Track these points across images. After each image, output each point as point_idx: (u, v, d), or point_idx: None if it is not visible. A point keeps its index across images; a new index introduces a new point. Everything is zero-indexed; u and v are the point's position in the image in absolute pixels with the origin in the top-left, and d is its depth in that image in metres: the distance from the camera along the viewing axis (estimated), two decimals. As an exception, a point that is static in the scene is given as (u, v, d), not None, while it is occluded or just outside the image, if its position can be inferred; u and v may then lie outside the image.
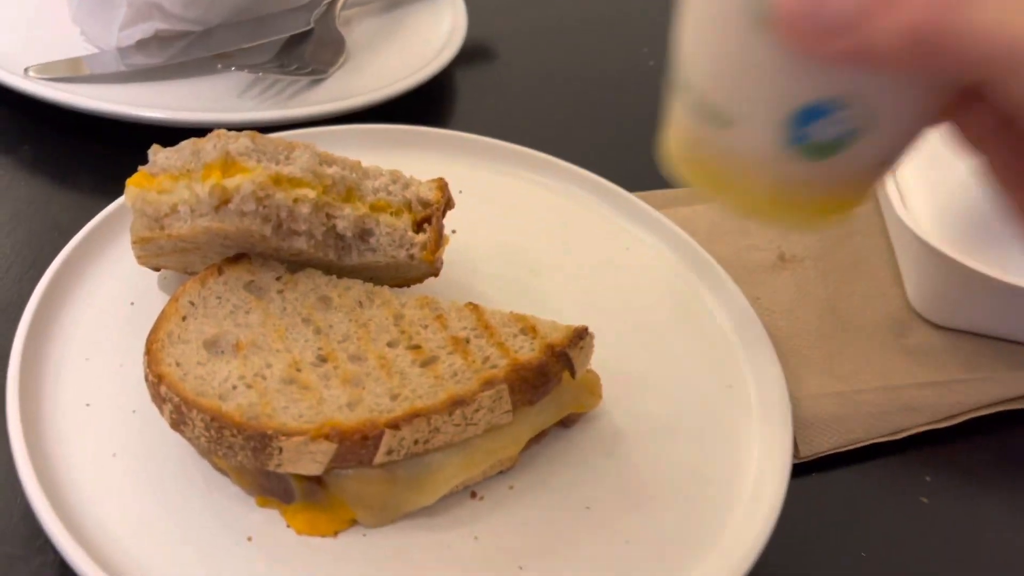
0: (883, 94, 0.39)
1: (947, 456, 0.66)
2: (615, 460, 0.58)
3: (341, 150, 0.75)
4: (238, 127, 0.74)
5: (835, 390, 0.67)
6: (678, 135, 0.45)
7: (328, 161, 0.57)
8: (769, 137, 0.41)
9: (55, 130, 0.77)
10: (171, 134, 0.75)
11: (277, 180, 0.54)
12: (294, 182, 0.54)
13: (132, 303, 0.62)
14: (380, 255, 0.58)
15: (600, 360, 0.62)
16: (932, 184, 0.75)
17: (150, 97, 0.78)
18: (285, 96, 0.81)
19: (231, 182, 0.52)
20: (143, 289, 0.62)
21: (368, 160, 0.75)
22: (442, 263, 0.61)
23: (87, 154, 0.77)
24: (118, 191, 0.72)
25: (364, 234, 0.58)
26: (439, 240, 0.60)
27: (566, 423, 0.59)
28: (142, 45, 0.81)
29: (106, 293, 0.61)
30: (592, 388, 0.59)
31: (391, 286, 0.63)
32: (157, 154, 0.55)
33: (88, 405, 0.55)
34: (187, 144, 0.55)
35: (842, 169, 0.42)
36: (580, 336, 0.56)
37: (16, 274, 0.66)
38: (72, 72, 0.78)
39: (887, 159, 0.44)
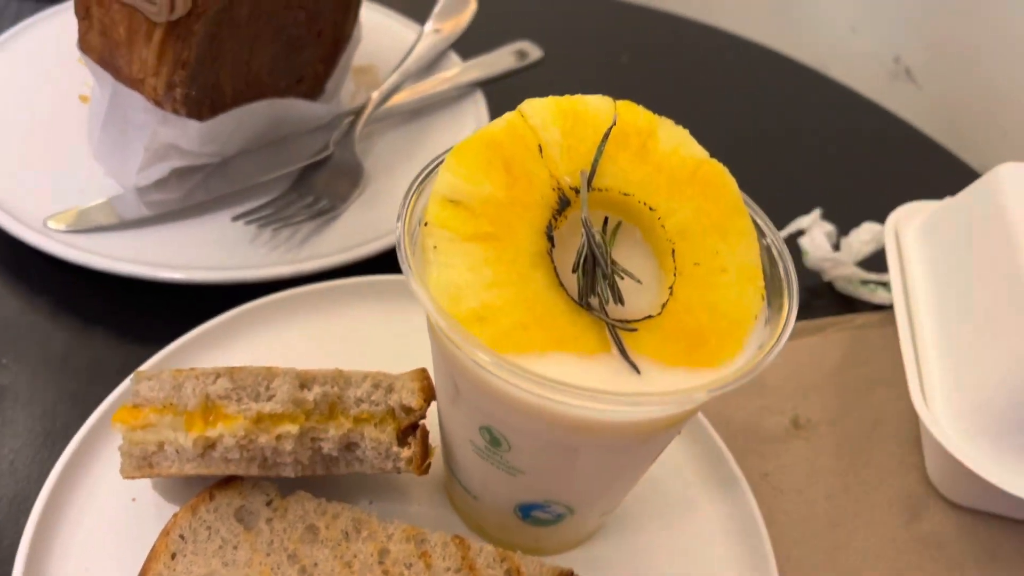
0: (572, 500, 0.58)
1: (952, 667, 0.65)
2: None
3: (350, 303, 0.76)
4: (249, 285, 0.76)
5: (837, 597, 0.65)
6: (452, 495, 0.66)
7: (308, 382, 0.57)
8: (506, 512, 0.60)
9: (73, 278, 0.78)
10: (186, 289, 0.77)
11: (259, 420, 0.54)
12: (275, 418, 0.55)
13: (134, 499, 0.63)
14: (367, 466, 0.58)
15: (591, 563, 0.62)
16: (953, 358, 0.72)
17: (167, 249, 0.78)
18: (297, 241, 0.81)
19: (214, 432, 0.53)
20: (144, 483, 0.63)
21: (378, 310, 0.76)
22: (429, 466, 0.61)
23: (105, 304, 0.78)
24: (132, 349, 0.73)
25: (350, 447, 0.58)
26: (424, 453, 0.59)
27: (553, 646, 0.58)
28: (160, 182, 0.82)
29: (108, 491, 0.62)
30: (579, 615, 0.58)
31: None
32: (139, 383, 0.56)
33: (84, 628, 0.57)
34: (167, 376, 0.55)
35: (567, 528, 0.62)
36: (564, 582, 0.55)
37: (29, 453, 0.67)
38: (93, 220, 0.79)
39: (605, 513, 0.63)
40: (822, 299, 0.91)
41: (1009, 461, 0.66)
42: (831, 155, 1.10)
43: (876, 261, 0.91)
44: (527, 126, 0.53)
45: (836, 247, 0.93)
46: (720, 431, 0.72)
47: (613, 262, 0.50)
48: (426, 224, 0.50)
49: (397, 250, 0.50)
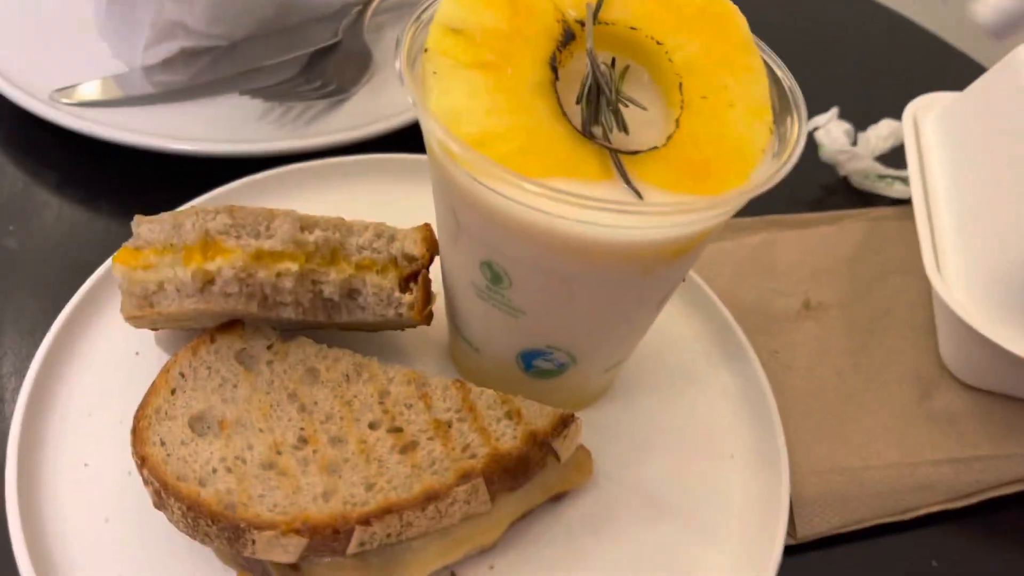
0: (575, 345, 0.57)
1: (957, 536, 0.64)
2: (602, 539, 0.57)
3: (355, 179, 0.75)
4: (258, 158, 0.75)
5: (844, 465, 0.64)
6: (454, 352, 0.65)
7: (310, 226, 0.56)
8: (508, 363, 0.59)
9: (80, 153, 0.78)
10: (194, 161, 0.76)
11: (258, 256, 0.54)
12: (275, 256, 0.54)
13: (137, 353, 0.63)
14: (369, 313, 0.58)
15: (596, 424, 0.61)
16: (970, 237, 0.70)
17: (174, 123, 0.78)
18: (305, 120, 0.80)
19: (212, 265, 0.52)
20: (147, 338, 0.63)
21: (382, 190, 0.76)
22: (433, 315, 0.61)
23: (111, 179, 0.77)
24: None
25: (352, 293, 0.58)
26: (426, 298, 0.59)
27: (554, 498, 0.58)
28: (167, 63, 0.81)
29: (111, 343, 0.63)
30: (581, 466, 0.58)
31: (389, 330, 0.63)
32: (140, 226, 0.56)
33: (86, 465, 0.57)
34: (167, 217, 0.55)
35: (570, 382, 0.60)
36: (565, 424, 0.55)
37: (35, 312, 0.67)
38: (99, 95, 0.79)
39: (608, 368, 0.61)
40: (836, 195, 0.89)
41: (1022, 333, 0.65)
42: (850, 60, 1.07)
43: (893, 157, 0.89)
44: (532, -42, 0.52)
45: (853, 144, 0.91)
46: (730, 311, 0.70)
47: (618, 90, 0.49)
48: (426, 51, 0.50)
49: (398, 75, 0.49)
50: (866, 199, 0.88)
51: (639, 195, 0.47)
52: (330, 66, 0.86)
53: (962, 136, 0.78)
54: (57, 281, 0.69)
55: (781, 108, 0.52)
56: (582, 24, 0.51)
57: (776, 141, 0.51)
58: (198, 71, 0.82)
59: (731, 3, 0.53)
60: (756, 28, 0.53)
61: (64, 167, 0.78)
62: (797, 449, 0.64)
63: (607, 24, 0.51)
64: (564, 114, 0.49)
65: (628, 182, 0.47)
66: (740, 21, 0.53)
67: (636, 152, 0.48)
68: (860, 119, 0.92)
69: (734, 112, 0.50)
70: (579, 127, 0.49)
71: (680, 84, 0.50)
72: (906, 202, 0.86)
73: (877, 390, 0.70)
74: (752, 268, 0.77)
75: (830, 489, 0.63)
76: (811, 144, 0.89)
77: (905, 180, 0.87)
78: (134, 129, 0.75)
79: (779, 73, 0.53)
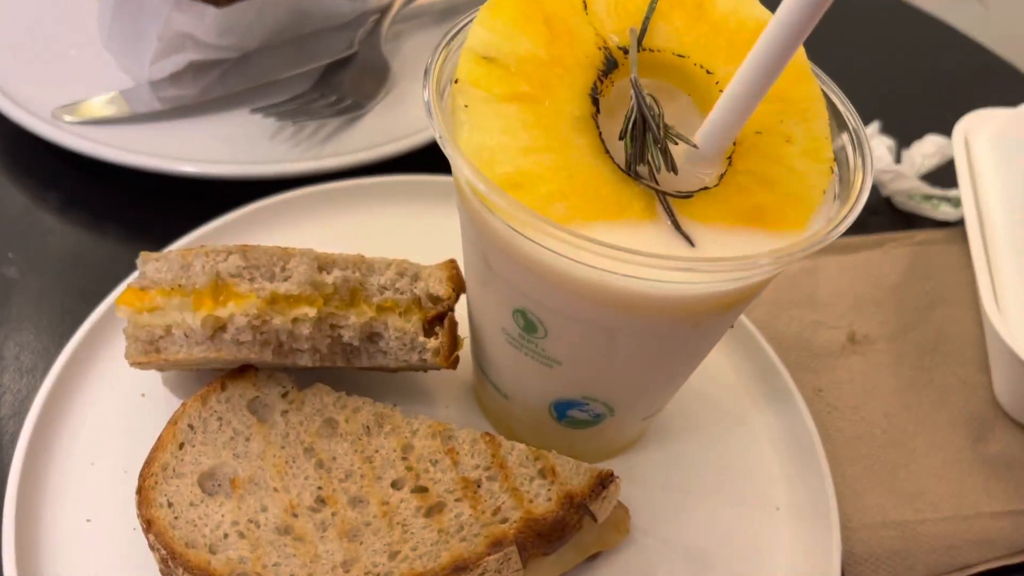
0: (613, 397, 0.53)
1: (1020, 595, 0.60)
2: (640, 602, 0.54)
3: (374, 202, 0.71)
4: (268, 181, 0.71)
5: (897, 518, 0.60)
6: (481, 397, 0.61)
7: (328, 265, 0.52)
8: (540, 412, 0.55)
9: (84, 173, 0.74)
10: (204, 182, 0.72)
11: (273, 301, 0.50)
12: (291, 300, 0.50)
13: (143, 395, 0.59)
14: (391, 359, 0.54)
15: (631, 473, 0.57)
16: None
17: (183, 143, 0.74)
18: (319, 139, 0.76)
19: (224, 311, 0.48)
20: (154, 379, 0.59)
21: (403, 214, 0.71)
22: (459, 359, 0.57)
23: (117, 200, 0.74)
24: (145, 247, 0.69)
25: (372, 337, 0.54)
26: (452, 343, 0.55)
27: (588, 558, 0.54)
28: (176, 77, 0.77)
29: (116, 384, 0.59)
30: (618, 524, 0.54)
31: (411, 370, 0.59)
32: (145, 264, 0.52)
33: (89, 521, 0.53)
34: (175, 255, 0.51)
35: (605, 432, 0.56)
36: (603, 484, 0.50)
37: (37, 348, 0.64)
38: (104, 111, 0.75)
39: (647, 416, 0.58)
40: (879, 216, 0.85)
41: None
42: (892, 72, 1.03)
43: (938, 176, 0.84)
44: (570, -21, 0.48)
45: (897, 162, 0.87)
46: (770, 345, 0.66)
47: (666, 126, 0.45)
48: (456, 82, 0.45)
49: (425, 110, 0.45)
50: (909, 220, 0.84)
51: (690, 242, 0.42)
52: (346, 79, 0.81)
53: (1018, 157, 0.73)
54: (60, 312, 0.66)
55: (840, 142, 0.48)
56: (625, 51, 0.47)
57: (836, 181, 0.47)
58: (207, 85, 0.78)
59: None
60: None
61: (68, 188, 0.74)
62: (846, 499, 0.60)
63: (652, 51, 0.47)
64: (607, 151, 0.44)
65: (678, 227, 0.43)
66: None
67: (687, 195, 0.44)
68: (903, 134, 0.88)
69: (791, 149, 0.46)
70: (622, 164, 0.44)
71: None
72: (953, 224, 0.82)
73: (928, 433, 0.66)
74: (792, 297, 0.73)
75: (883, 544, 0.58)
76: (852, 162, 0.84)
77: (952, 201, 0.83)
78: (141, 150, 0.72)
79: (840, 107, 0.48)
